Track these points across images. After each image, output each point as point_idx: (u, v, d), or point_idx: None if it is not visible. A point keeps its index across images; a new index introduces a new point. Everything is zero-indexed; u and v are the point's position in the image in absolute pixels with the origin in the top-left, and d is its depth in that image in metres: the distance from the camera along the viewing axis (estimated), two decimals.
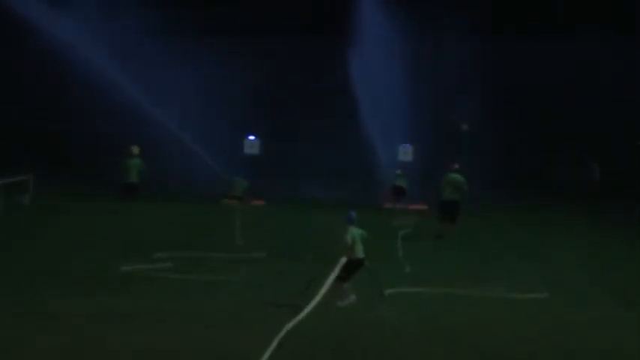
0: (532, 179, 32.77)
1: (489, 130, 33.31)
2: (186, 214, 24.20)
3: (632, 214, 25.72)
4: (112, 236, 19.39)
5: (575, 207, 28.17)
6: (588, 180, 30.97)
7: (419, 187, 27.63)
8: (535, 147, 34.71)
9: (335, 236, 13.74)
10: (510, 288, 14.98)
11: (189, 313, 12.66)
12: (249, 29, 34.55)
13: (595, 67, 33.99)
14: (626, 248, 20.65)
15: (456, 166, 21.84)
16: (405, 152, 29.96)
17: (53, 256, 16.86)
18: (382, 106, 30.00)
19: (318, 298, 12.45)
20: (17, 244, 18.01)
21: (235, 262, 16.72)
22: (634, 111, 33.21)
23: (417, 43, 31.74)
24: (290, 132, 34.28)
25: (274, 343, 10.81)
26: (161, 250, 17.15)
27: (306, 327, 11.76)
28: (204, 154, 29.66)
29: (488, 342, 11.75)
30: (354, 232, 13.53)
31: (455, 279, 15.62)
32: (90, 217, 22.72)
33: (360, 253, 13.51)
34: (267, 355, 10.47)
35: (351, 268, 13.39)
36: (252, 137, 29.77)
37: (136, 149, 25.90)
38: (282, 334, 11.19)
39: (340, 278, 13.24)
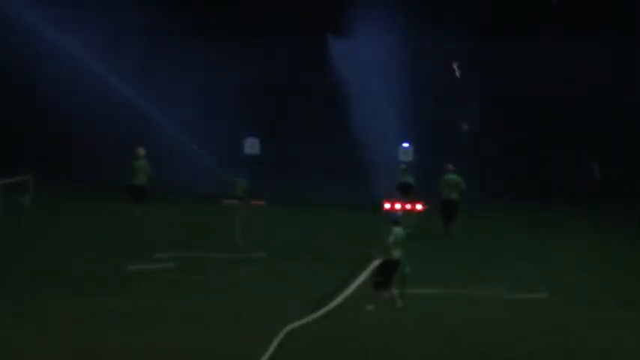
0: (532, 179, 32.71)
1: (489, 130, 33.28)
2: (187, 214, 24.18)
3: (632, 214, 25.69)
4: (112, 236, 19.38)
5: (575, 207, 28.12)
6: (588, 180, 30.92)
7: (419, 187, 27.57)
8: (535, 147, 34.63)
9: (378, 236, 13.62)
10: (510, 288, 14.98)
11: (189, 313, 12.66)
12: (249, 29, 34.52)
13: (595, 67, 33.94)
14: (626, 248, 20.62)
15: (451, 166, 21.86)
16: (405, 152, 29.92)
17: (53, 256, 16.86)
18: (382, 106, 29.97)
19: (339, 299, 12.43)
20: (17, 244, 18.01)
21: (235, 262, 16.71)
22: (634, 111, 33.15)
23: (417, 43, 31.69)
24: (290, 132, 34.25)
25: (274, 343, 10.82)
26: (161, 250, 17.15)
27: (306, 327, 11.77)
28: (204, 154, 29.60)
29: (488, 342, 11.76)
30: (398, 233, 13.37)
31: (455, 279, 15.62)
32: (90, 217, 22.71)
33: (397, 254, 13.33)
34: (267, 354, 10.48)
35: (387, 269, 13.19)
36: (252, 137, 29.76)
37: (142, 151, 25.29)
38: (281, 335, 11.20)
39: (379, 285, 13.04)
